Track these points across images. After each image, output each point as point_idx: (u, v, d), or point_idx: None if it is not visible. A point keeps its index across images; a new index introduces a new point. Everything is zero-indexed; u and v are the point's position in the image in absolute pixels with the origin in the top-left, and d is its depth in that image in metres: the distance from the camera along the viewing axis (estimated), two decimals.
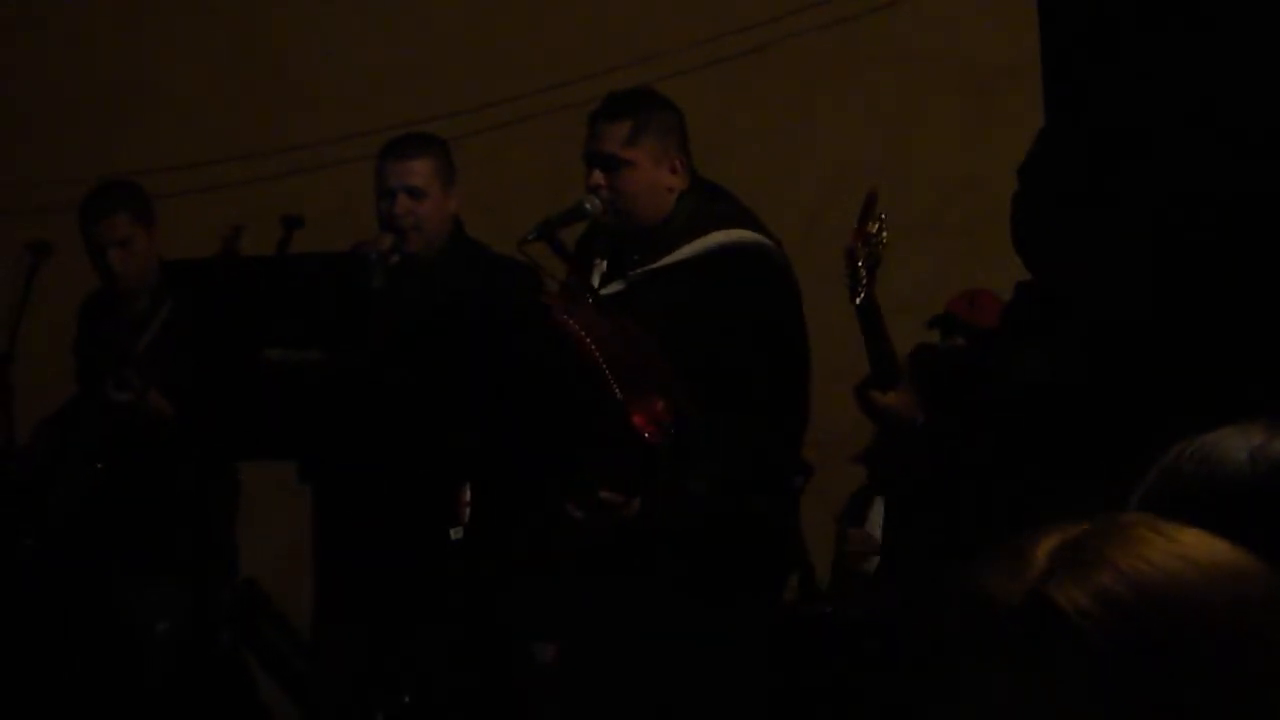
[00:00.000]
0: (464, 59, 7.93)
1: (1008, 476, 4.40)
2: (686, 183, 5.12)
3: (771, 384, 4.95)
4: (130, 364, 6.12)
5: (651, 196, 5.07)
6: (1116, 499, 1.78)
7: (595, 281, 5.09)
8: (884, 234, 4.76)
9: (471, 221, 5.84)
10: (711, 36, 7.66)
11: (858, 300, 4.69)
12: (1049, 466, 4.38)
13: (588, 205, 5.12)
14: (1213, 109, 4.88)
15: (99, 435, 6.18)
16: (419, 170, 5.68)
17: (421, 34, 8.03)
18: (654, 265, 5.02)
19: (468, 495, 5.25)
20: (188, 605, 6.17)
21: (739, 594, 4.93)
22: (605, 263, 5.15)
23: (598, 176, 5.07)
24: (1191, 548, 1.27)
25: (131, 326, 6.26)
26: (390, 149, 5.76)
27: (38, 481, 6.24)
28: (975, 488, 4.44)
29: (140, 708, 6.16)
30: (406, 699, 5.57)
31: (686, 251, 5.01)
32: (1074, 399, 4.46)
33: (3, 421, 6.42)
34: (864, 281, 4.70)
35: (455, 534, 5.23)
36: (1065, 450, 4.41)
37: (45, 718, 6.18)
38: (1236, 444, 1.76)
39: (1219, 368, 4.52)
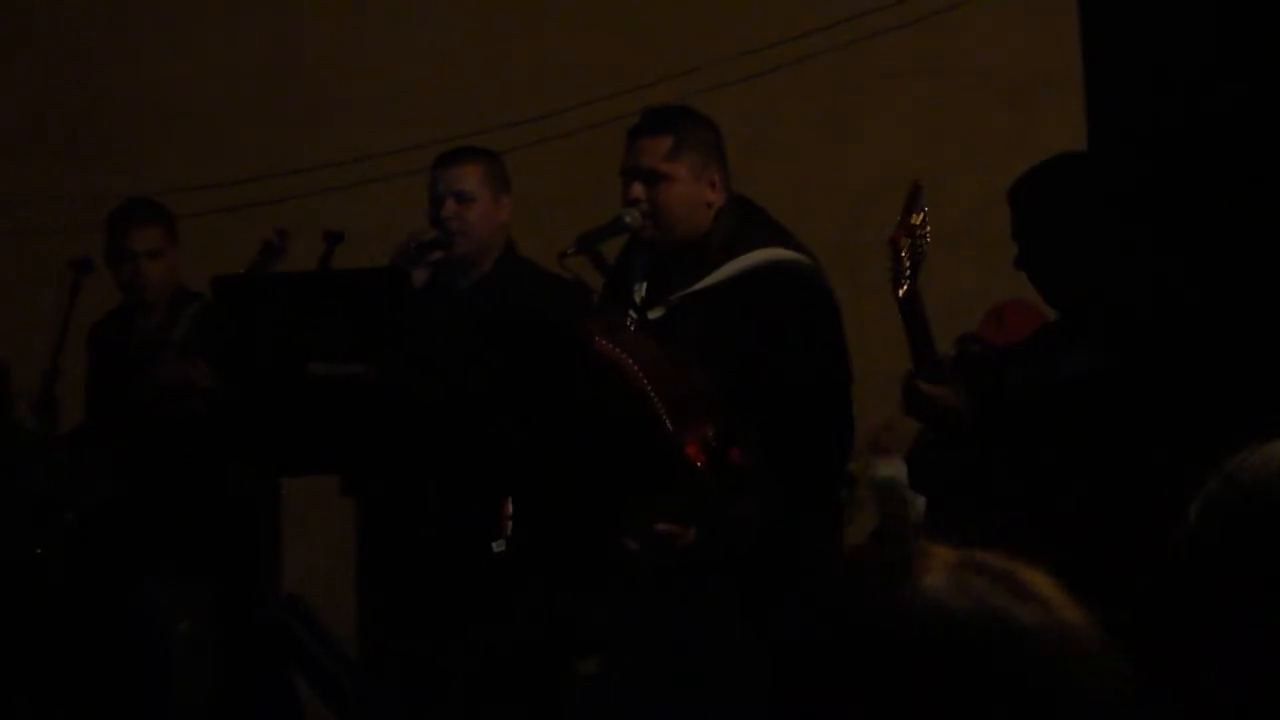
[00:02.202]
0: (502, 76, 7.95)
1: (1053, 468, 4.40)
2: (724, 199, 5.12)
3: (815, 401, 4.94)
4: (160, 358, 6.19)
5: (691, 211, 5.07)
6: (1178, 504, 1.78)
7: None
8: (928, 227, 4.71)
9: (513, 233, 5.86)
10: (749, 50, 7.66)
11: (900, 292, 4.65)
12: (1093, 456, 4.38)
13: (627, 219, 5.12)
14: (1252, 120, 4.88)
15: (129, 436, 6.24)
16: (467, 175, 5.71)
17: (459, 52, 8.06)
18: (694, 288, 5.02)
19: (510, 508, 5.26)
20: (212, 606, 6.19)
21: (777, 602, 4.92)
22: (645, 286, 5.14)
23: (638, 190, 5.06)
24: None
25: (145, 344, 6.32)
26: (442, 157, 5.82)
27: (63, 485, 6.30)
28: (1020, 480, 4.43)
29: (165, 706, 6.19)
30: (449, 712, 5.58)
31: (725, 273, 5.01)
32: (1118, 390, 4.47)
33: (48, 433, 6.48)
34: (907, 274, 4.65)
35: (498, 547, 5.24)
36: (1110, 439, 4.41)
37: (70, 714, 6.21)
38: None
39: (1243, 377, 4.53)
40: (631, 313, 5.06)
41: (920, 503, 6.70)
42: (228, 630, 6.21)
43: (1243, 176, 4.90)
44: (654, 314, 5.05)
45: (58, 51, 8.32)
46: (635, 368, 4.83)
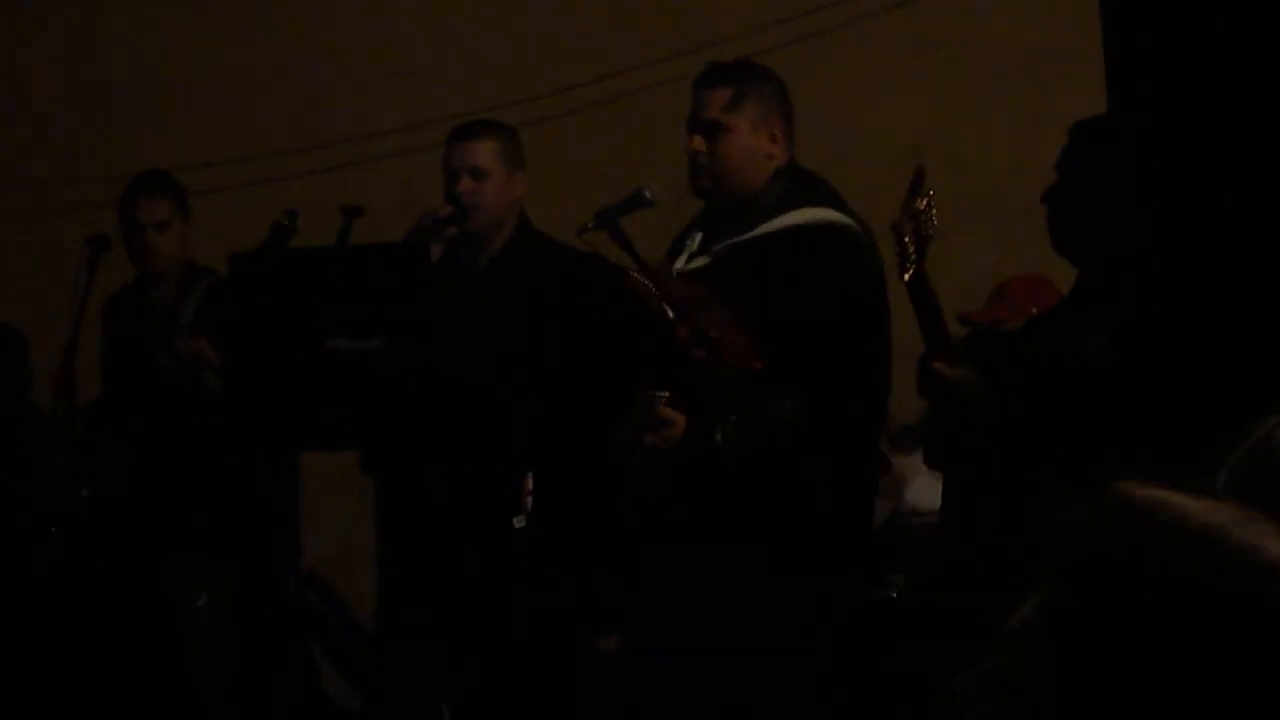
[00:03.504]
0: (522, 49, 7.94)
1: (1071, 449, 4.39)
2: (786, 156, 5.11)
3: (846, 362, 4.92)
4: (174, 333, 6.20)
5: (749, 164, 5.06)
6: (1204, 473, 1.77)
7: (684, 260, 5.08)
8: (933, 210, 4.73)
9: (529, 210, 5.85)
10: (770, 22, 7.64)
11: (906, 276, 4.68)
12: (1109, 440, 4.37)
13: (647, 193, 5.11)
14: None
15: (146, 414, 6.25)
16: (482, 151, 5.71)
17: (476, 27, 8.05)
18: (737, 239, 5.02)
19: (530, 484, 5.25)
20: (231, 582, 6.20)
21: (808, 580, 4.91)
22: (699, 237, 5.14)
23: (698, 142, 5.06)
24: None
25: (158, 317, 6.33)
26: (456, 132, 5.80)
27: (79, 463, 6.31)
28: (1039, 460, 4.43)
29: (186, 681, 6.20)
30: (469, 688, 5.59)
31: (770, 227, 5.00)
32: (1134, 375, 4.46)
33: (67, 410, 6.48)
34: (912, 258, 4.68)
35: (518, 523, 5.24)
36: (1125, 424, 4.40)
37: (89, 689, 6.23)
38: None
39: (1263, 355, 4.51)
40: (679, 262, 5.06)
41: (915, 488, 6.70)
42: (247, 605, 6.22)
43: (1256, 149, 4.88)
44: (700, 261, 5.05)
45: (75, 30, 8.32)
46: (654, 291, 4.83)
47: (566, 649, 5.52)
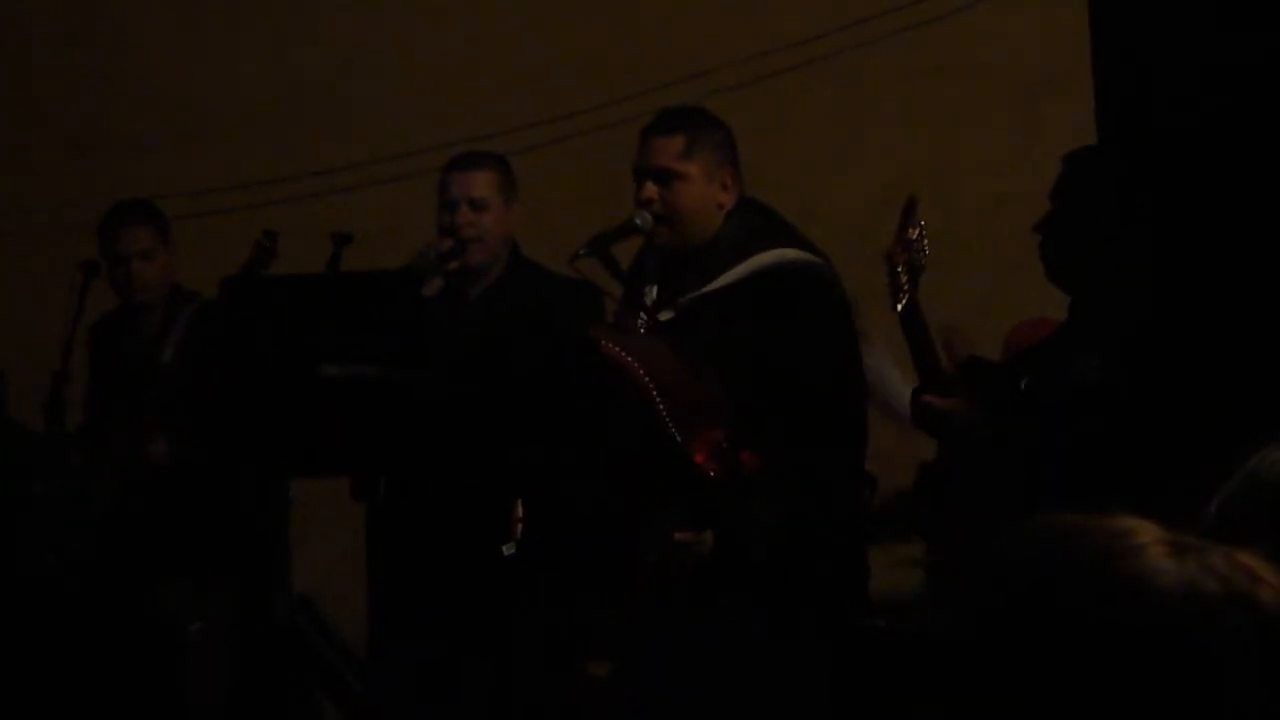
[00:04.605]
0: (512, 77, 7.95)
1: (1063, 476, 4.40)
2: (734, 200, 5.10)
3: (828, 402, 4.93)
4: (138, 408, 6.20)
5: (703, 212, 5.05)
6: (1196, 503, 1.77)
7: (647, 314, 5.07)
8: (925, 240, 4.73)
9: (519, 238, 5.85)
10: (759, 53, 7.66)
11: (899, 306, 4.68)
12: (1103, 467, 4.37)
13: (638, 220, 5.10)
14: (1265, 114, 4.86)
15: (133, 440, 6.27)
16: (482, 182, 5.70)
17: (469, 53, 8.06)
18: (702, 291, 5.00)
19: (520, 511, 5.25)
20: (225, 609, 6.19)
21: (801, 609, 4.92)
22: (655, 289, 5.12)
23: (650, 190, 5.04)
24: None
25: (145, 344, 6.32)
26: (454, 162, 5.79)
27: (70, 490, 6.31)
28: (1033, 488, 4.43)
29: (181, 708, 6.19)
30: (460, 714, 5.58)
31: (734, 275, 4.98)
32: (1123, 401, 4.47)
33: (57, 436, 6.48)
34: (905, 287, 4.68)
35: (508, 550, 5.24)
36: (1119, 450, 4.40)
37: (85, 717, 6.22)
38: None
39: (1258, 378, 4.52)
40: (642, 315, 5.04)
41: None
42: (241, 632, 6.21)
43: (1245, 178, 4.89)
44: (663, 316, 5.04)
45: (65, 53, 8.33)
46: (641, 373, 4.80)
47: (557, 675, 5.52)
